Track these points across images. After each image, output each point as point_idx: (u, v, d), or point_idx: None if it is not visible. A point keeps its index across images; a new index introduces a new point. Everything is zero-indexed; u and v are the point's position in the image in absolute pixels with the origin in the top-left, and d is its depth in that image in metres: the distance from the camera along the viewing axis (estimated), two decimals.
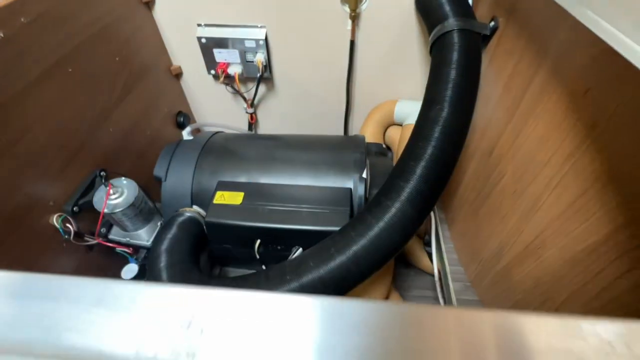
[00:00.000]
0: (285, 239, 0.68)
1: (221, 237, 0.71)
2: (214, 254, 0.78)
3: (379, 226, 0.53)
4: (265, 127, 1.21)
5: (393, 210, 0.53)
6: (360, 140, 0.80)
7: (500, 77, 0.60)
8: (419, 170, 0.55)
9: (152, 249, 0.65)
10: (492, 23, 0.61)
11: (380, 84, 1.01)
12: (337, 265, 0.51)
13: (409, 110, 0.99)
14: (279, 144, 0.82)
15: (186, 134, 0.88)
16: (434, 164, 0.55)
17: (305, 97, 1.09)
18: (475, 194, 0.69)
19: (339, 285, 0.51)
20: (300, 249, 0.68)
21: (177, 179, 0.77)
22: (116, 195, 0.69)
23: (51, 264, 0.66)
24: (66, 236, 0.66)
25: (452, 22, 0.64)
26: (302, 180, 0.73)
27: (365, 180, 0.72)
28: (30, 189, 0.59)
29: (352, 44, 0.92)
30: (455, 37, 0.63)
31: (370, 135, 0.99)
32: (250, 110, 1.13)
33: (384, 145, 0.96)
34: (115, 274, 0.76)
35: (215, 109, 1.20)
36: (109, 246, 0.74)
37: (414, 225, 0.54)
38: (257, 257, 0.70)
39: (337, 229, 0.64)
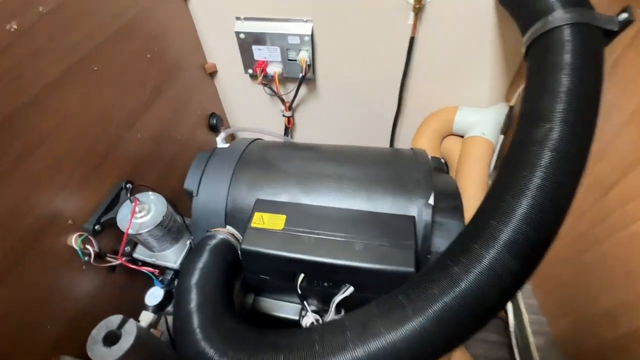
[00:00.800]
0: (334, 276, 0.56)
1: (258, 267, 0.61)
2: (248, 283, 0.68)
3: (469, 280, 0.41)
4: (303, 132, 1.10)
5: (487, 260, 0.41)
6: (423, 156, 0.67)
7: (633, 87, 0.45)
8: (522, 208, 0.42)
9: (181, 280, 0.55)
10: (624, 15, 0.47)
11: (439, 88, 0.88)
12: (416, 330, 0.39)
13: (473, 120, 0.85)
14: (327, 157, 0.70)
15: (220, 141, 0.78)
16: (544, 200, 0.41)
17: (349, 101, 0.97)
18: (577, 233, 0.55)
19: (417, 356, 0.40)
20: (351, 289, 0.57)
21: (210, 194, 0.67)
22: (142, 214, 0.60)
23: (70, 287, 0.59)
24: (86, 258, 0.58)
25: (560, 15, 0.50)
26: (353, 202, 0.62)
27: (433, 207, 0.59)
28: (45, 207, 0.51)
29: (412, 40, 0.79)
30: (567, 34, 0.49)
31: (425, 147, 0.86)
32: (288, 113, 1.02)
33: (442, 160, 0.83)
34: (138, 296, 0.68)
35: (249, 111, 1.10)
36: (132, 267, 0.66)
37: (515, 280, 0.41)
38: (299, 292, 0.60)
39: (399, 269, 0.52)
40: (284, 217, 0.60)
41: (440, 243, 0.59)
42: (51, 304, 0.55)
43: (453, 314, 0.40)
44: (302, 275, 0.58)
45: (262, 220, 0.61)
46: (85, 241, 0.57)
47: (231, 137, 1.14)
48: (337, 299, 0.59)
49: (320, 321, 0.67)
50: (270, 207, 0.62)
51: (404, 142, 1.02)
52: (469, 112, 0.86)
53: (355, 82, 0.92)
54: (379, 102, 0.94)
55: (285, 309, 0.69)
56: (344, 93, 0.95)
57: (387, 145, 1.04)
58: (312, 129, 1.08)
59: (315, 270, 0.56)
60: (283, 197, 0.64)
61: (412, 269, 0.52)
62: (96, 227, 0.58)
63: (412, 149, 0.72)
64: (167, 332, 0.72)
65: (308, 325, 0.69)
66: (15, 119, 0.45)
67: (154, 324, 0.66)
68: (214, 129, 1.06)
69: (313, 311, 0.65)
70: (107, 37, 0.59)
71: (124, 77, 0.65)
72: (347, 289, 0.57)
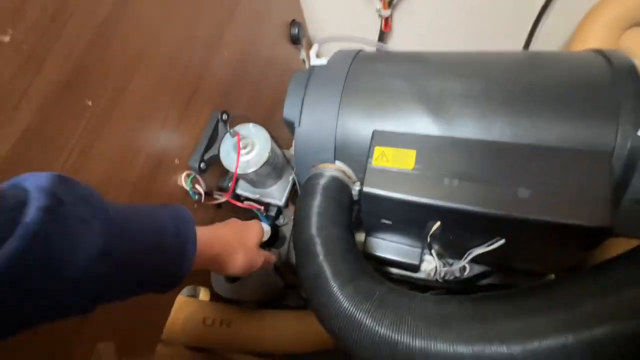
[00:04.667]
0: (483, 228, 0.45)
1: (381, 212, 0.52)
2: (363, 224, 0.61)
3: None
4: (403, 38, 0.88)
5: None
6: (623, 62, 0.45)
7: None
8: None
9: (299, 228, 0.49)
10: None
11: None
12: None
13: None
14: (465, 70, 0.52)
15: (314, 57, 0.64)
16: None
17: None
18: None
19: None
20: (502, 241, 0.46)
21: (315, 124, 0.56)
22: (247, 149, 0.53)
23: None
24: (196, 197, 0.55)
25: None
26: (509, 132, 0.46)
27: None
28: (151, 146, 0.46)
29: None
30: None
31: (598, 46, 0.61)
32: (386, 12, 0.80)
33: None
34: None
35: (334, 12, 0.90)
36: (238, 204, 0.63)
37: None
38: (428, 240, 0.51)
39: (586, 224, 0.39)
40: (413, 152, 0.48)
41: None
42: None
43: None
44: (437, 224, 0.48)
45: (384, 156, 0.49)
46: (193, 180, 0.53)
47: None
48: (478, 251, 0.49)
49: (445, 269, 0.59)
50: (394, 140, 0.50)
51: (549, 43, 0.76)
52: None
53: None
54: None
55: (401, 251, 0.62)
56: None
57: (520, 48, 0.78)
58: (417, 33, 0.85)
59: (458, 220, 0.46)
60: (409, 126, 0.50)
61: (606, 225, 0.38)
62: (202, 166, 0.53)
63: (599, 51, 0.49)
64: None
65: (428, 271, 0.63)
66: (100, 37, 0.36)
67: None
68: (295, 41, 0.89)
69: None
70: None
71: None
72: (495, 242, 0.47)
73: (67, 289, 0.25)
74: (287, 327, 0.60)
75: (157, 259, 0.31)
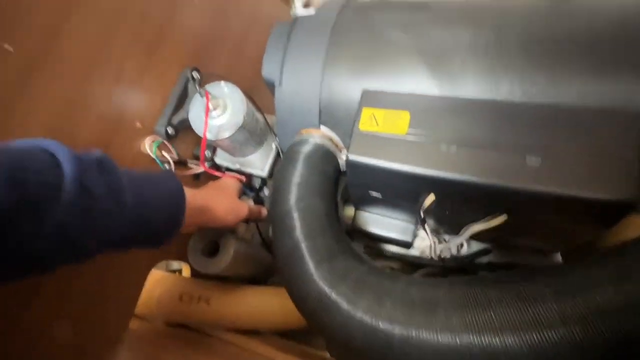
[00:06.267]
0: (484, 202, 0.40)
1: (369, 183, 0.46)
2: (350, 196, 0.56)
3: None
4: None
5: None
6: None
7: None
8: None
9: (277, 199, 0.44)
10: None
11: None
12: None
13: None
14: (467, 17, 0.44)
15: (300, 6, 0.56)
16: None
17: None
18: None
19: None
20: (505, 216, 0.40)
21: (298, 82, 0.49)
22: (218, 112, 0.46)
23: None
24: (165, 166, 0.50)
25: None
26: (523, 90, 0.39)
27: None
28: (104, 107, 0.39)
29: None
30: None
31: None
32: None
33: None
34: None
35: None
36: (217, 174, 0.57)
37: None
38: (422, 215, 0.45)
39: (607, 198, 0.33)
40: (407, 114, 0.41)
41: None
42: None
43: None
44: (432, 198, 0.42)
45: (374, 119, 0.43)
46: (161, 147, 0.48)
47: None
48: (477, 227, 0.44)
49: (441, 246, 0.54)
50: (385, 100, 0.43)
51: None
52: None
53: None
54: None
55: (393, 227, 0.57)
56: None
57: None
58: None
59: (455, 193, 0.40)
60: (403, 85, 0.44)
61: (630, 199, 0.32)
62: (169, 130, 0.47)
63: None
64: (259, 234, 0.67)
65: (422, 248, 0.58)
66: None
67: (245, 232, 0.61)
68: None
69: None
70: None
71: None
72: (497, 217, 0.41)
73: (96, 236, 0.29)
74: (270, 303, 0.57)
75: (160, 217, 0.35)
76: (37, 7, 0.31)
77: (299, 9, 0.55)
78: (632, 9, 0.38)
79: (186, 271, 0.67)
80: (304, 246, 0.38)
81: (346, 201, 0.62)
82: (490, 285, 0.31)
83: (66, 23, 0.33)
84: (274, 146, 0.57)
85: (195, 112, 0.48)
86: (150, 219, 0.34)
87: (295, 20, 0.52)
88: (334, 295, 0.33)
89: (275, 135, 0.57)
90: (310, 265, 0.36)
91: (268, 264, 0.69)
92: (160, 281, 0.57)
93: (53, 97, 0.34)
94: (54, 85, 0.33)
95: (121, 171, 0.32)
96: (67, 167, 0.26)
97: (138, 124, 0.44)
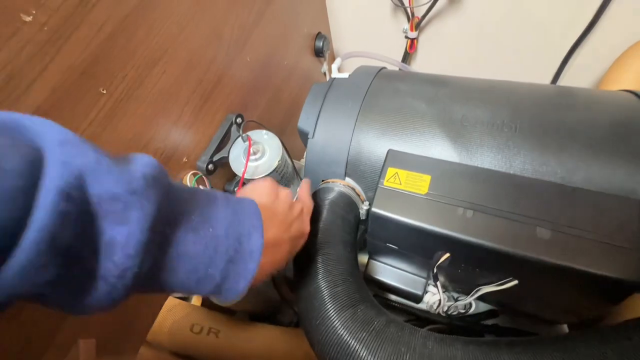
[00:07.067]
0: (495, 266, 0.42)
1: (388, 235, 0.49)
2: (366, 245, 0.59)
3: None
4: (427, 61, 0.87)
5: None
6: None
7: None
8: None
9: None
10: None
11: None
12: None
13: None
14: (491, 97, 0.51)
15: (337, 70, 0.63)
16: None
17: (503, 19, 0.70)
18: None
19: None
20: (516, 282, 0.43)
21: (330, 136, 0.55)
22: (257, 155, 0.51)
23: None
24: None
25: None
26: (533, 168, 0.44)
27: None
28: (162, 141, 0.45)
29: None
30: None
31: (631, 87, 0.58)
32: (413, 34, 0.80)
33: None
34: None
35: (360, 29, 0.90)
36: None
37: None
38: (434, 271, 0.48)
39: (612, 276, 0.36)
40: (428, 177, 0.46)
41: None
42: None
43: None
44: (446, 255, 0.45)
45: (397, 178, 0.47)
46: (199, 180, 0.52)
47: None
48: (488, 289, 0.46)
49: (449, 303, 0.56)
50: (409, 162, 0.48)
51: (577, 80, 0.74)
52: None
53: None
54: (551, 21, 0.66)
55: (405, 279, 0.59)
56: (498, 8, 0.68)
57: (548, 82, 0.76)
58: (442, 58, 0.84)
59: (469, 254, 0.43)
60: (425, 150, 0.49)
61: (634, 279, 0.35)
62: (209, 167, 0.52)
63: (633, 92, 0.47)
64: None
65: (431, 303, 0.60)
66: (126, 25, 0.36)
67: None
68: (319, 53, 0.90)
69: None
70: None
71: None
72: (507, 282, 0.44)
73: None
74: (277, 344, 0.58)
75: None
76: (132, 59, 0.38)
77: (334, 72, 0.63)
78: (626, 106, 0.44)
79: (197, 299, 0.68)
80: (325, 291, 0.41)
81: (360, 248, 0.65)
82: (505, 350, 0.33)
83: (150, 72, 0.39)
84: (298, 190, 0.62)
85: (235, 153, 0.53)
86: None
87: (332, 82, 0.59)
88: (354, 343, 0.35)
89: (301, 179, 0.62)
90: (331, 311, 0.38)
91: (276, 301, 0.71)
92: (173, 309, 0.58)
93: (126, 132, 0.39)
94: (129, 123, 0.39)
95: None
96: (59, 186, 0.15)
97: (185, 159, 0.49)
